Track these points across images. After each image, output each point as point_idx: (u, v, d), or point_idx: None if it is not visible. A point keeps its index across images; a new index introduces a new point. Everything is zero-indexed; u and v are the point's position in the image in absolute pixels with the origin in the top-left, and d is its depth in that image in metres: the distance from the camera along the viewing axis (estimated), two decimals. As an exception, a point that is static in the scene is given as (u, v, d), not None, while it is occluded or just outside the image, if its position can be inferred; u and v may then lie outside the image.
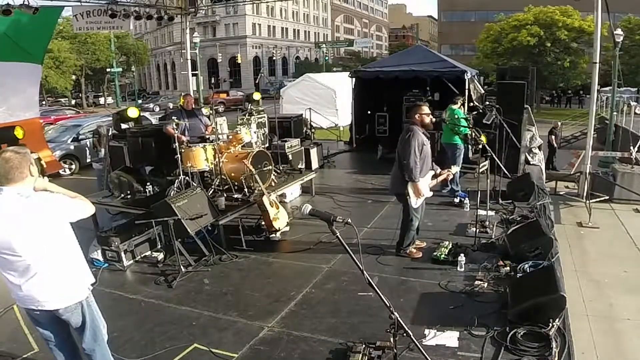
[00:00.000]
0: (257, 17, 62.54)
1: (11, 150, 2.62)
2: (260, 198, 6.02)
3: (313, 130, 12.24)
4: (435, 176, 5.29)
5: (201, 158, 6.58)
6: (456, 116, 7.63)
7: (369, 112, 12.64)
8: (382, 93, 12.69)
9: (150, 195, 6.58)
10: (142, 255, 5.60)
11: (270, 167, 7.01)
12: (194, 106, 7.55)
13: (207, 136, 6.99)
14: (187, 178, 6.46)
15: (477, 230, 5.75)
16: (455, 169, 5.59)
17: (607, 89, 22.34)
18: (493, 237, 5.72)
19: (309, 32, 75.35)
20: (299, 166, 8.50)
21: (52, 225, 2.60)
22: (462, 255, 4.96)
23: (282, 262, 5.55)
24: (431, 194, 5.28)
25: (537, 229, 5.24)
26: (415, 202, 5.06)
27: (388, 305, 2.71)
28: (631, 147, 11.38)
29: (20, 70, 8.81)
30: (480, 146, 6.11)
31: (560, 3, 33.10)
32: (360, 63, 49.86)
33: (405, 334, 2.78)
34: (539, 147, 10.28)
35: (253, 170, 6.19)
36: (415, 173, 4.91)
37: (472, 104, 10.47)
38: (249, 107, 9.49)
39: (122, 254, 5.34)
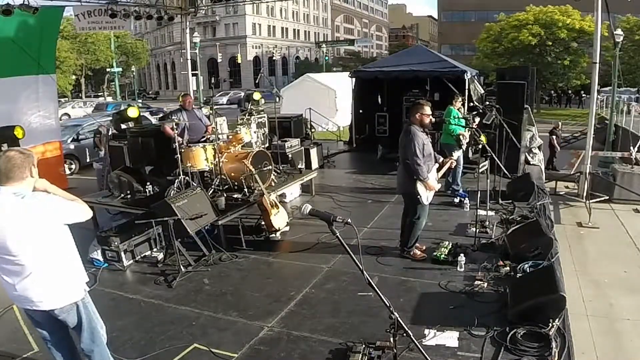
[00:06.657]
0: (257, 17, 62.58)
1: (16, 149, 2.67)
2: (260, 198, 6.02)
3: (313, 130, 12.24)
4: (439, 167, 5.28)
5: (201, 158, 6.58)
6: (452, 115, 7.61)
7: (361, 111, 12.59)
8: (382, 93, 12.69)
9: (150, 195, 6.57)
10: (142, 255, 5.59)
11: (270, 167, 7.01)
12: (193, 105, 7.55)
13: (207, 136, 6.99)
14: (187, 178, 6.46)
15: (477, 230, 5.76)
16: (457, 154, 5.60)
17: (607, 89, 22.35)
18: (493, 237, 5.72)
19: (309, 32, 75.35)
20: (299, 166, 8.50)
21: (47, 226, 2.60)
22: (462, 255, 4.95)
23: (282, 262, 5.54)
24: (440, 185, 5.27)
25: (537, 229, 5.24)
26: (426, 198, 5.05)
27: (388, 305, 2.71)
28: (631, 147, 11.39)
29: (35, 83, 8.70)
30: (480, 146, 6.11)
31: (560, 3, 33.13)
32: (360, 63, 49.89)
33: (405, 334, 2.78)
34: (539, 147, 10.28)
35: (253, 170, 6.19)
36: (423, 173, 4.91)
37: (472, 104, 10.47)
38: (249, 107, 9.48)
39: (122, 254, 5.33)
